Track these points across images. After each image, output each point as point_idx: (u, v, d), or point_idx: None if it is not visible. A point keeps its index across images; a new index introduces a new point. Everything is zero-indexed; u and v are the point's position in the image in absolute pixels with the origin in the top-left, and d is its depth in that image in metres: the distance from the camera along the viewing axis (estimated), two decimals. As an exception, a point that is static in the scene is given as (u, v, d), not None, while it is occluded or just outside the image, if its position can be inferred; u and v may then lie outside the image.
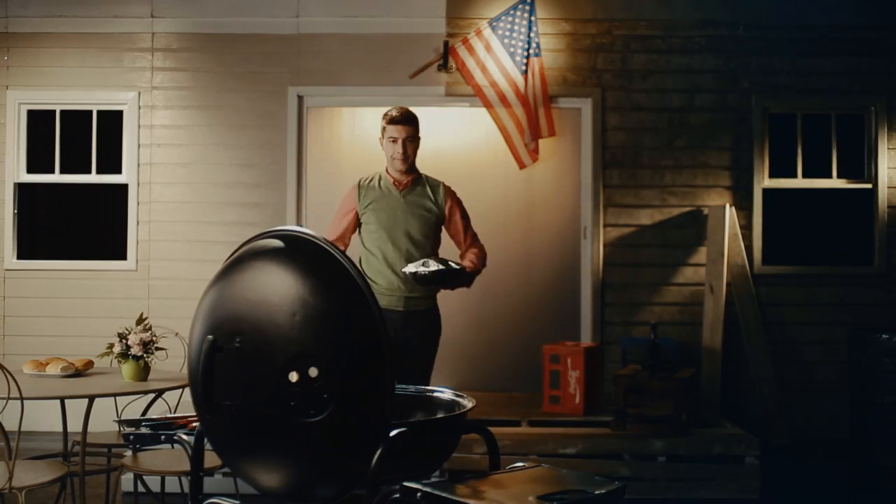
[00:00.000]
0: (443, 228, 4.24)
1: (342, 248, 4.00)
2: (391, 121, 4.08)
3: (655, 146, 6.46)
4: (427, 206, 4.12)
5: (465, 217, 4.23)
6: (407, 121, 4.08)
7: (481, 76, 6.32)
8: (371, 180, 4.18)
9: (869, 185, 6.48)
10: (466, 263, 4.10)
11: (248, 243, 2.00)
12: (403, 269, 3.82)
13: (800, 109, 6.52)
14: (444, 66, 6.33)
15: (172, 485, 4.49)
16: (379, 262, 4.06)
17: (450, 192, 4.20)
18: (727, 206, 6.21)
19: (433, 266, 3.74)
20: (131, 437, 2.17)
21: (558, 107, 6.47)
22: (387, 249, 4.06)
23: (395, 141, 4.07)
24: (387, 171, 4.16)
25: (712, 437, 5.01)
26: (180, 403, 4.17)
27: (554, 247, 6.76)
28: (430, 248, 4.11)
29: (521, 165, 6.40)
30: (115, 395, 3.78)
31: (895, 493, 5.23)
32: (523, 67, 6.22)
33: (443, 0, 6.43)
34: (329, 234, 4.10)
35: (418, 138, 4.13)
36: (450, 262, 3.79)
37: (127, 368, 3.89)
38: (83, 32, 6.51)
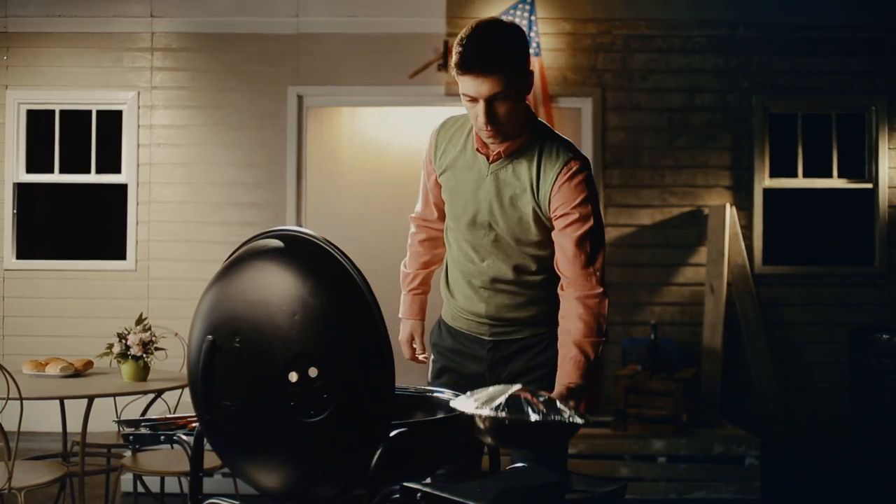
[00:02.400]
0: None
1: (433, 226, 2.62)
2: (461, 69, 2.20)
3: (655, 146, 6.46)
4: (524, 199, 2.32)
5: (590, 231, 2.28)
6: (488, 67, 2.16)
7: (481, 76, 6.31)
8: (459, 126, 2.45)
9: (869, 185, 6.48)
10: (571, 351, 2.20)
11: (248, 243, 1.99)
12: (453, 403, 1.94)
13: (800, 109, 6.52)
14: (444, 66, 6.32)
15: (172, 485, 4.49)
16: (454, 264, 2.50)
17: (568, 179, 2.27)
18: (727, 205, 6.20)
19: (530, 412, 1.79)
20: (131, 437, 2.16)
21: (558, 106, 6.46)
22: (462, 247, 2.46)
23: (473, 101, 2.23)
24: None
25: (712, 437, 5.01)
26: (180, 403, 4.16)
27: (554, 247, 6.76)
28: (529, 262, 2.39)
29: (521, 165, 6.39)
30: (114, 395, 3.77)
31: (895, 493, 5.23)
32: (523, 67, 6.21)
33: (442, 0, 6.43)
34: (418, 206, 2.66)
35: (525, 84, 2.25)
36: (561, 406, 1.85)
37: (126, 368, 3.88)
38: (82, 32, 6.51)
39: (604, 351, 6.18)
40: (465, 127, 2.43)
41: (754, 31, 6.47)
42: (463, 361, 2.53)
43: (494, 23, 2.25)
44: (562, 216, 2.28)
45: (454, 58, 2.22)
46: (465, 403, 1.85)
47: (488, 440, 1.85)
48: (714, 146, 6.45)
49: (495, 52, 2.17)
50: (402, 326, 2.72)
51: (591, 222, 2.28)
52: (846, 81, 6.48)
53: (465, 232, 2.42)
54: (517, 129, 2.30)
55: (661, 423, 5.01)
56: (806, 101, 6.50)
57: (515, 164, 2.33)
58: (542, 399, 1.84)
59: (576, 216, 2.27)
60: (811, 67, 6.47)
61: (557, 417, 1.78)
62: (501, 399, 1.80)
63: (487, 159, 2.35)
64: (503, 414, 1.76)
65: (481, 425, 1.81)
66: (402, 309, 2.72)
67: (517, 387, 1.85)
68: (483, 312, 2.46)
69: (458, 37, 2.22)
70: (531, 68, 2.28)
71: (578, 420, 1.82)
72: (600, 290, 2.28)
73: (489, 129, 2.24)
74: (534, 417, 1.76)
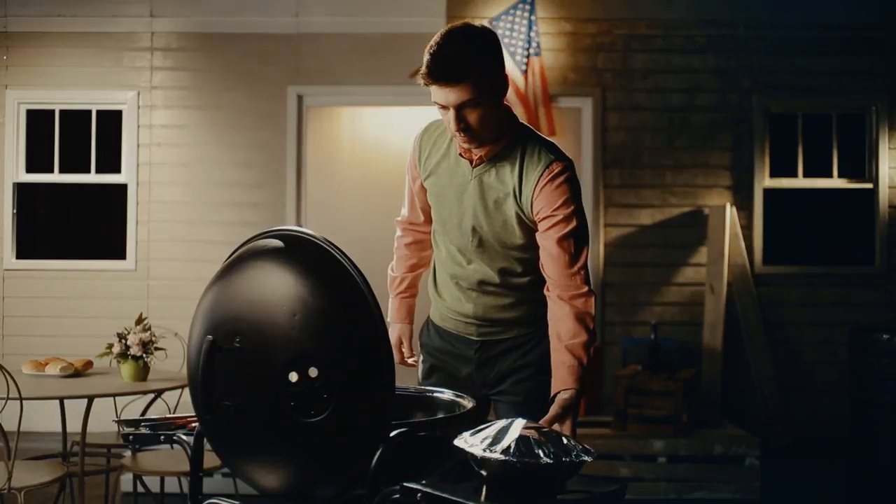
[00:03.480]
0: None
1: (419, 229, 2.64)
2: (427, 76, 2.19)
3: (656, 146, 6.45)
4: (507, 202, 2.33)
5: (573, 231, 2.28)
6: (454, 76, 2.15)
7: (481, 76, 6.31)
8: (443, 130, 2.44)
9: (870, 185, 6.48)
10: (564, 356, 2.21)
11: (248, 243, 1.99)
12: (456, 442, 1.82)
13: (800, 109, 6.51)
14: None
15: (172, 485, 4.48)
16: (442, 265, 2.52)
17: (549, 181, 2.27)
18: (728, 205, 6.20)
19: (541, 455, 1.73)
20: (130, 437, 2.16)
21: (558, 106, 6.46)
22: (449, 250, 2.48)
23: (444, 108, 2.24)
24: None
25: (712, 437, 5.00)
26: (180, 403, 4.16)
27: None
28: (515, 265, 2.41)
29: (521, 165, 6.38)
30: (114, 395, 3.77)
31: (895, 493, 5.23)
32: (523, 67, 6.22)
33: (443, 0, 6.43)
34: (403, 210, 2.66)
35: (498, 89, 2.25)
36: (566, 442, 1.80)
37: (126, 368, 3.88)
38: (82, 32, 6.51)
39: (599, 351, 6.17)
40: (447, 132, 2.41)
41: (754, 31, 6.47)
42: (452, 361, 2.54)
43: (464, 29, 2.21)
44: (545, 218, 2.28)
45: (423, 67, 2.19)
46: (472, 444, 1.79)
47: (496, 479, 1.79)
48: (714, 146, 6.45)
49: (461, 60, 2.15)
50: (389, 330, 2.67)
51: (573, 223, 2.27)
52: (846, 81, 6.48)
53: (452, 235, 2.43)
54: (493, 133, 2.28)
55: (661, 423, 5.00)
56: (806, 101, 6.50)
57: (499, 168, 2.32)
58: (544, 432, 1.81)
59: (559, 217, 2.26)
60: (811, 67, 6.47)
61: (567, 459, 1.75)
62: (510, 441, 1.76)
63: (471, 163, 2.35)
64: (514, 458, 1.72)
65: (488, 470, 1.77)
66: (390, 313, 2.70)
67: (521, 423, 1.83)
68: (471, 313, 2.46)
69: (429, 44, 2.19)
70: (506, 72, 2.27)
71: (587, 458, 1.79)
72: (585, 289, 2.27)
73: (462, 136, 2.24)
74: (545, 461, 1.73)
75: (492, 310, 2.46)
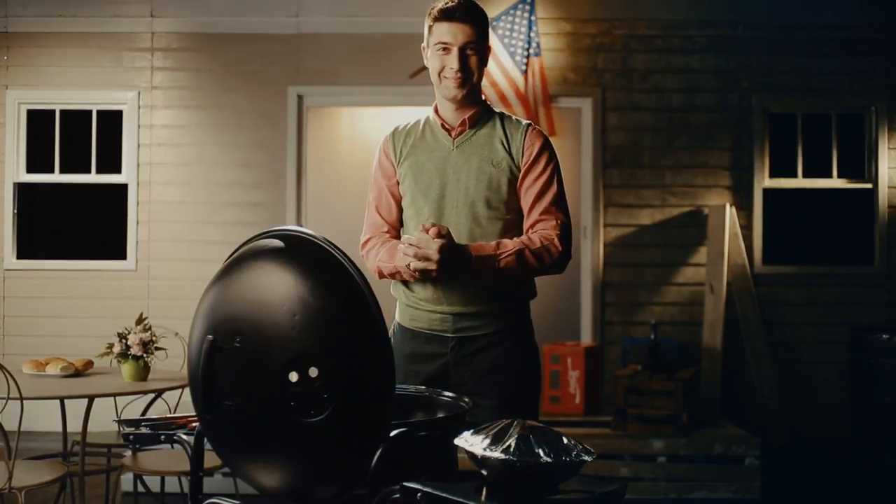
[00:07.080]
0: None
1: (388, 233, 2.62)
2: (442, 15, 2.48)
3: (655, 146, 6.46)
4: (496, 156, 2.50)
5: (554, 177, 2.53)
6: (468, 16, 2.45)
7: (481, 76, 6.30)
8: (411, 125, 2.66)
9: (869, 185, 6.48)
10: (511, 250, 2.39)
11: (248, 243, 1.99)
12: (456, 441, 1.80)
13: (800, 109, 6.52)
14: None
15: (172, 485, 4.49)
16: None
17: (536, 135, 2.53)
18: (727, 205, 6.21)
19: (541, 454, 1.70)
20: (131, 437, 2.16)
21: (558, 106, 6.46)
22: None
23: (446, 49, 2.48)
24: (435, 110, 2.62)
25: (712, 437, 5.01)
26: (180, 403, 4.16)
27: (554, 247, 6.75)
28: (506, 231, 2.50)
29: (521, 165, 6.38)
30: (114, 395, 3.77)
31: (895, 493, 5.23)
32: (523, 67, 6.22)
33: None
34: (366, 229, 2.65)
35: (488, 49, 2.54)
36: (566, 442, 1.74)
37: (126, 368, 3.88)
38: (83, 32, 6.51)
39: (599, 351, 6.16)
40: (418, 124, 2.62)
41: (754, 31, 6.47)
42: (420, 365, 2.51)
43: None
44: (533, 163, 2.50)
45: (434, 11, 2.48)
46: (472, 444, 1.77)
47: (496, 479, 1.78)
48: (714, 146, 6.46)
49: (473, 7, 2.49)
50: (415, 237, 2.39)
51: (554, 169, 2.54)
52: (846, 81, 6.49)
53: (433, 207, 2.49)
54: (478, 89, 2.54)
55: (661, 423, 5.01)
56: (806, 101, 6.50)
57: (480, 132, 2.54)
58: (544, 431, 1.79)
59: (544, 163, 2.51)
60: (811, 67, 6.47)
61: (567, 458, 1.73)
62: (511, 440, 1.74)
63: (450, 134, 2.54)
64: (514, 458, 1.70)
65: (488, 469, 1.75)
66: (399, 257, 2.43)
67: (519, 423, 1.82)
68: (448, 297, 2.45)
69: (436, 3, 2.50)
70: (489, 45, 2.55)
71: (587, 458, 1.76)
72: (563, 223, 2.50)
73: (459, 75, 2.47)
74: (545, 460, 1.71)
75: (467, 287, 2.44)
